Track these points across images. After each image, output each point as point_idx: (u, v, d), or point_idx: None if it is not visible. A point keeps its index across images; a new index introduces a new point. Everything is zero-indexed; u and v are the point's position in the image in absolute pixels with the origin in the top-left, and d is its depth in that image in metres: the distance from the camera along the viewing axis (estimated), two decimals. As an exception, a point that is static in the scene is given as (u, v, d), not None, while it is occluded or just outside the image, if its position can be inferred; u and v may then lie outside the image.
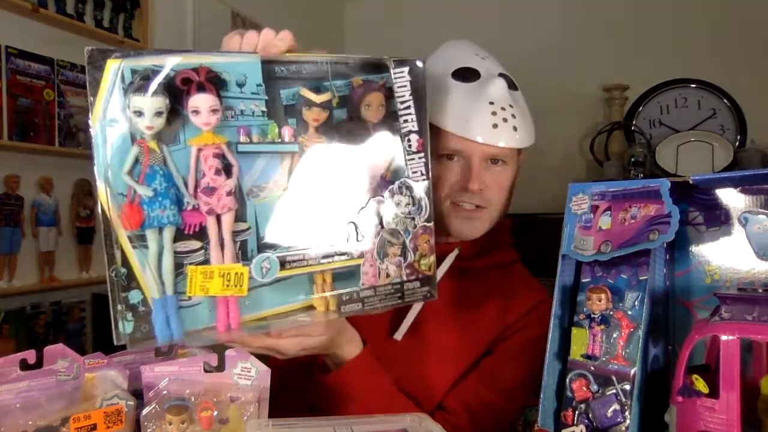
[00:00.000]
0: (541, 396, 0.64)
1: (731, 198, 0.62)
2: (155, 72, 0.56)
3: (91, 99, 0.55)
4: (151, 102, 0.56)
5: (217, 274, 0.60)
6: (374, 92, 0.69)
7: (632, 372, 0.58)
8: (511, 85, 0.92)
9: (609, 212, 0.63)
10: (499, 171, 0.93)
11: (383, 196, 0.66)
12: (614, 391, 0.58)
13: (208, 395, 0.65)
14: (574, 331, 0.62)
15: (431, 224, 0.70)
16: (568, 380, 0.61)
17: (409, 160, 0.68)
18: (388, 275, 0.67)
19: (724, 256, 0.62)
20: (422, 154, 0.68)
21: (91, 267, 1.91)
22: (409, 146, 0.68)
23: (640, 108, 3.00)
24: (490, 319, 0.95)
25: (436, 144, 0.88)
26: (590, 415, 0.59)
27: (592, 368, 0.60)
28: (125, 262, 0.57)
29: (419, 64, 0.75)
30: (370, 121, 0.66)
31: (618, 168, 2.81)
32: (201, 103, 0.58)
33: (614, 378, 0.58)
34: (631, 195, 0.62)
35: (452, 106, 0.88)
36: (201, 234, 0.60)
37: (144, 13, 2.07)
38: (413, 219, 0.68)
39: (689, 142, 2.73)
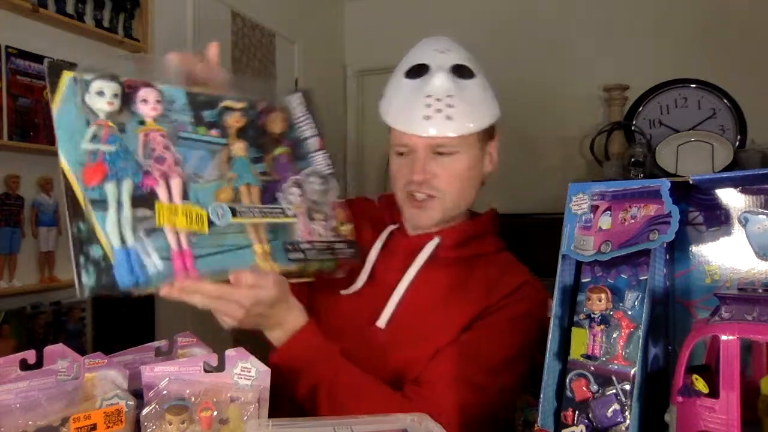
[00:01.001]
0: (541, 396, 0.64)
1: (731, 198, 0.62)
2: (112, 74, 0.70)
3: (51, 96, 0.67)
4: (109, 85, 0.68)
5: (181, 212, 0.68)
6: (276, 112, 0.85)
7: (632, 372, 0.58)
8: (462, 74, 0.93)
9: (609, 212, 0.63)
10: (449, 160, 0.94)
11: (300, 177, 0.83)
12: (614, 391, 0.58)
13: (208, 395, 0.65)
14: (574, 331, 0.62)
15: (342, 200, 0.88)
16: (568, 380, 0.61)
17: (312, 156, 0.87)
18: (319, 234, 0.82)
19: (724, 256, 0.62)
20: (323, 151, 0.88)
21: (91, 267, 1.91)
22: (309, 146, 0.87)
23: (640, 108, 3.00)
24: (471, 303, 0.94)
25: (391, 142, 0.98)
26: (590, 415, 0.59)
27: (592, 368, 0.60)
28: (86, 221, 0.64)
29: (306, 91, 0.93)
30: (275, 132, 0.84)
31: (618, 168, 2.81)
32: (149, 94, 0.72)
33: (614, 378, 0.58)
34: (631, 195, 0.62)
35: (397, 103, 0.95)
36: (152, 201, 0.68)
37: (144, 13, 2.07)
38: (326, 194, 0.84)
39: (689, 142, 2.73)
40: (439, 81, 0.91)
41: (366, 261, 0.99)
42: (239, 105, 0.79)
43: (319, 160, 0.87)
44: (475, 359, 0.90)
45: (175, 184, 0.70)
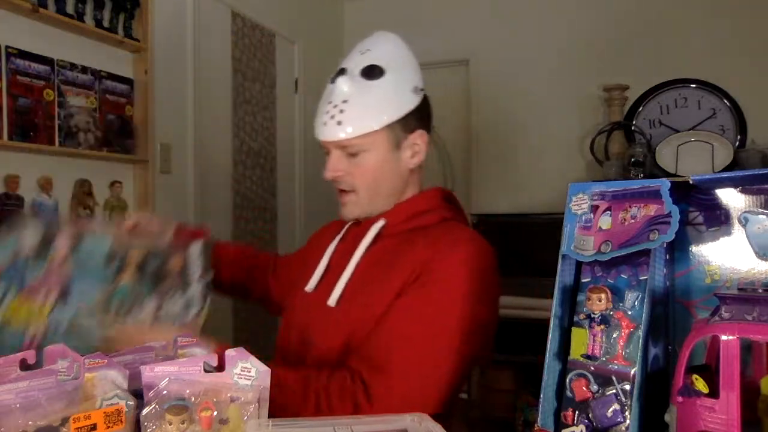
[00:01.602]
0: (541, 396, 0.64)
1: (731, 198, 0.62)
2: None
3: None
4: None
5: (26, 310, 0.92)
6: (176, 255, 1.01)
7: (632, 372, 0.58)
8: (371, 75, 0.98)
9: (609, 212, 0.63)
10: (358, 159, 1.00)
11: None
12: (614, 391, 0.58)
13: (208, 395, 0.65)
14: (574, 331, 0.62)
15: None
16: (568, 380, 0.61)
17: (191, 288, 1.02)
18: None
19: (724, 256, 0.62)
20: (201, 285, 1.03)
21: (91, 267, 1.91)
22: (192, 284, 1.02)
23: (640, 108, 3.00)
24: (404, 269, 0.96)
25: None
26: (590, 415, 0.59)
27: (592, 368, 0.60)
28: None
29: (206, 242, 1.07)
30: (171, 271, 1.00)
31: (618, 168, 2.81)
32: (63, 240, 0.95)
33: (614, 378, 0.58)
34: (631, 195, 0.62)
35: (318, 109, 1.04)
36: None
37: (144, 13, 2.07)
38: (186, 313, 0.99)
39: (689, 142, 2.73)
40: (338, 88, 0.99)
41: (322, 258, 1.08)
42: (145, 249, 0.99)
43: (195, 292, 1.01)
44: (400, 328, 0.92)
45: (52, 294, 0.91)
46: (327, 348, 0.99)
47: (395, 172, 1.03)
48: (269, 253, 1.38)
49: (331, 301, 1.00)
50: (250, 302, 1.37)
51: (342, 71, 1.01)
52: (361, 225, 1.08)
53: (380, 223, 1.03)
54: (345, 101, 0.98)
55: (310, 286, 1.07)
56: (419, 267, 0.95)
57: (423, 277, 0.93)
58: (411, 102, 1.01)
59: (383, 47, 1.03)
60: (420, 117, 1.03)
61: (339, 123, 0.98)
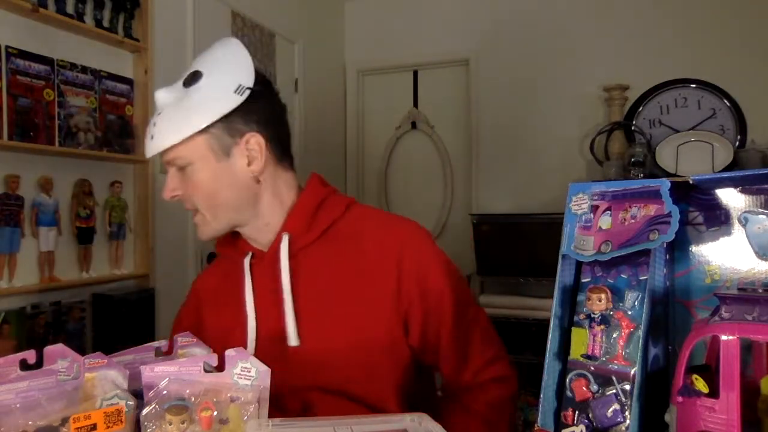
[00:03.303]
0: (541, 396, 0.64)
1: (731, 198, 0.62)
2: None
3: None
4: None
5: None
6: None
7: (632, 372, 0.58)
8: (194, 80, 0.90)
9: (609, 212, 0.63)
10: (189, 173, 0.92)
11: None
12: (614, 391, 0.58)
13: (208, 395, 0.65)
14: (574, 331, 0.62)
15: None
16: (568, 380, 0.61)
17: None
18: None
19: (724, 256, 0.62)
20: None
21: (91, 267, 1.91)
22: None
23: (640, 108, 3.00)
24: (348, 266, 0.94)
25: None
26: (590, 415, 0.59)
27: (592, 368, 0.60)
28: None
29: None
30: None
31: (618, 168, 2.81)
32: None
33: (614, 378, 0.58)
34: (631, 195, 0.62)
35: None
36: None
37: (144, 13, 2.07)
38: None
39: (689, 142, 2.73)
40: (156, 101, 0.93)
41: (247, 312, 0.96)
42: None
43: None
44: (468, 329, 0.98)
45: None
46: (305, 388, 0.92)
47: (233, 183, 0.93)
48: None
49: (292, 341, 0.92)
50: None
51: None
52: (263, 252, 0.99)
53: (286, 239, 0.95)
54: (159, 114, 0.91)
55: (251, 348, 0.95)
56: (395, 268, 0.94)
57: (417, 274, 0.94)
58: (231, 102, 0.89)
59: (212, 52, 0.95)
60: (248, 119, 0.92)
61: (152, 138, 0.91)
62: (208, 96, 0.90)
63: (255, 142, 0.93)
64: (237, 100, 0.90)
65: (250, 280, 0.98)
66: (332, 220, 0.97)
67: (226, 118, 0.90)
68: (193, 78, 0.91)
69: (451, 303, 0.95)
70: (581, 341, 0.61)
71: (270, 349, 0.93)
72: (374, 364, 0.92)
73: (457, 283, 0.98)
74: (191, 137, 0.90)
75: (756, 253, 0.59)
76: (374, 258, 0.94)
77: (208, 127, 0.90)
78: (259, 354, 0.85)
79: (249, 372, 0.67)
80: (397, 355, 0.94)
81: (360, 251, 0.95)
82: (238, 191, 0.94)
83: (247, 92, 0.91)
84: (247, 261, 1.00)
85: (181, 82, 0.93)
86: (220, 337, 0.93)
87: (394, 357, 0.93)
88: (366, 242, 0.95)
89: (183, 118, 0.89)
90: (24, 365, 0.69)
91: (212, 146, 0.91)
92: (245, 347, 0.95)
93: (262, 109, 0.94)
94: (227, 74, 0.91)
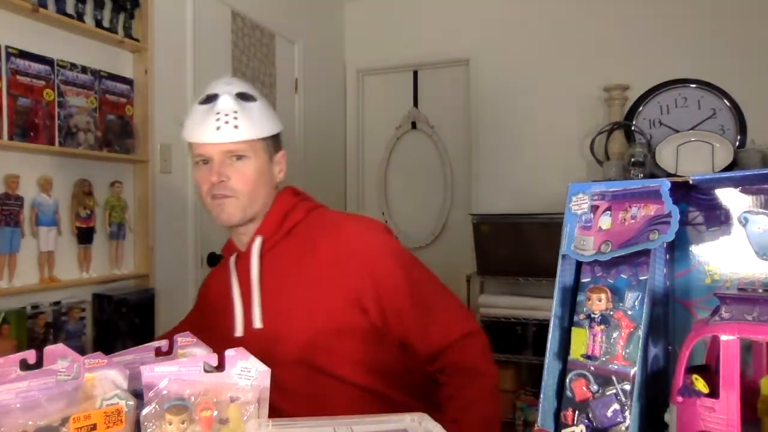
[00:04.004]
0: (541, 396, 0.64)
1: (731, 198, 0.62)
2: None
3: None
4: None
5: None
6: None
7: (632, 372, 0.58)
8: (245, 98, 1.13)
9: (609, 212, 0.63)
10: (241, 164, 1.11)
11: None
12: (614, 391, 0.58)
13: (208, 395, 0.65)
14: (574, 331, 0.62)
15: None
16: (568, 380, 0.61)
17: None
18: None
19: (724, 256, 0.62)
20: None
21: (91, 267, 1.91)
22: None
23: (640, 108, 3.00)
24: (319, 263, 1.11)
25: (192, 158, 1.15)
26: (590, 415, 0.59)
27: (592, 368, 0.60)
28: None
29: None
30: None
31: (618, 168, 2.81)
32: None
33: (614, 378, 0.58)
34: (631, 195, 0.62)
35: (195, 123, 1.12)
36: None
37: (144, 13, 2.07)
38: None
39: (689, 142, 2.73)
40: (226, 102, 1.11)
41: (235, 306, 1.15)
42: None
43: None
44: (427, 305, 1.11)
45: None
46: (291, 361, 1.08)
47: (269, 182, 1.17)
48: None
49: (256, 323, 1.12)
50: None
51: (214, 96, 1.13)
52: (243, 252, 1.18)
53: (259, 240, 1.15)
54: (235, 111, 1.10)
55: (239, 334, 1.14)
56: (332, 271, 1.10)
57: (365, 263, 1.09)
58: (278, 126, 1.18)
59: (244, 83, 1.18)
60: (281, 142, 1.20)
61: (235, 127, 1.09)
62: (268, 115, 1.15)
63: (284, 158, 1.20)
64: (281, 126, 1.19)
65: (236, 276, 1.18)
66: (294, 222, 1.17)
67: (278, 135, 1.18)
68: (247, 97, 1.13)
69: (403, 284, 1.10)
70: (581, 341, 0.61)
71: (245, 331, 1.14)
72: (327, 340, 1.08)
73: (407, 265, 1.13)
74: (263, 138, 1.13)
75: (756, 253, 0.59)
76: (325, 252, 1.11)
77: (274, 135, 1.16)
78: (239, 335, 1.13)
79: (249, 372, 0.68)
80: (353, 332, 1.09)
81: (314, 247, 1.12)
82: (270, 189, 1.17)
83: (281, 124, 1.19)
84: (232, 260, 1.20)
85: (235, 96, 1.12)
86: (221, 321, 1.17)
87: (348, 334, 1.09)
88: (319, 239, 1.13)
89: (261, 124, 1.13)
90: (24, 365, 0.69)
91: (267, 150, 1.15)
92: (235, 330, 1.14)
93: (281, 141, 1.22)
94: (270, 105, 1.19)
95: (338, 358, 1.09)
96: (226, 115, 1.10)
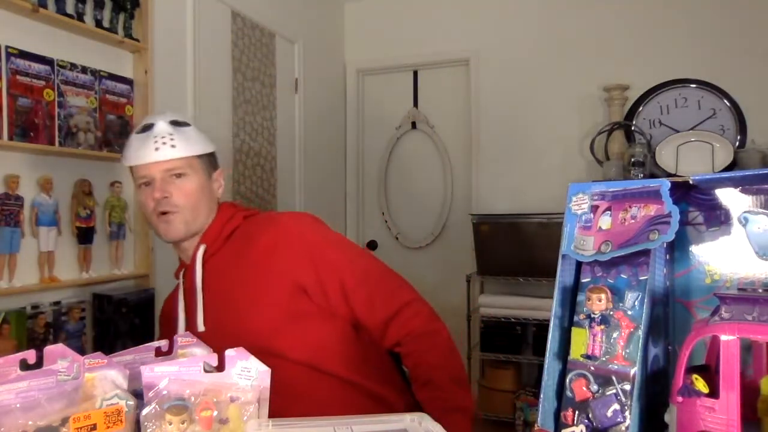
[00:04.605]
0: (541, 396, 0.64)
1: (731, 198, 0.62)
2: None
3: None
4: None
5: None
6: None
7: (632, 372, 0.58)
8: (179, 124, 1.23)
9: (609, 212, 0.63)
10: (181, 182, 1.21)
11: None
12: (614, 391, 0.58)
13: (208, 395, 0.65)
14: (574, 331, 0.62)
15: None
16: (568, 380, 0.61)
17: None
18: None
19: (724, 256, 0.62)
20: None
21: (91, 267, 1.91)
22: None
23: (640, 108, 3.00)
24: (256, 258, 1.18)
25: (135, 181, 1.24)
26: (590, 415, 0.59)
27: (592, 368, 0.60)
28: None
29: None
30: None
31: (618, 168, 2.81)
32: None
33: (614, 378, 0.58)
34: (631, 195, 0.62)
35: (134, 149, 1.21)
36: None
37: (144, 13, 2.07)
38: None
39: (689, 142, 2.73)
40: (161, 126, 1.21)
41: (179, 313, 1.24)
42: None
43: None
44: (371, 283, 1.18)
45: None
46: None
47: (209, 197, 1.26)
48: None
49: (199, 326, 1.19)
50: None
51: (150, 125, 1.22)
52: (189, 265, 1.26)
53: (202, 248, 1.24)
54: (171, 134, 1.20)
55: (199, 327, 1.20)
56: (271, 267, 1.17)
57: (303, 253, 1.16)
58: (212, 146, 1.28)
59: (173, 114, 1.28)
60: (218, 161, 1.31)
61: (173, 146, 1.19)
62: (202, 137, 1.26)
63: (221, 175, 1.31)
64: (213, 147, 1.30)
65: (182, 288, 1.27)
66: (233, 228, 1.26)
67: (213, 155, 1.29)
68: (180, 122, 1.24)
69: (341, 263, 1.17)
70: (581, 341, 0.61)
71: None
72: (279, 327, 1.14)
73: (341, 246, 1.22)
74: (199, 156, 1.23)
75: (756, 253, 0.59)
76: (263, 245, 1.19)
77: (210, 153, 1.27)
78: None
79: (249, 372, 0.68)
80: (303, 317, 1.15)
81: (253, 244, 1.20)
82: (211, 204, 1.27)
83: (214, 146, 1.31)
84: (180, 275, 1.29)
85: (168, 122, 1.22)
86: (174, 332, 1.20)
87: (298, 320, 1.15)
88: (257, 236, 1.21)
89: (195, 144, 1.23)
90: (24, 365, 0.69)
91: (205, 167, 1.25)
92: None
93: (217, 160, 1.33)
94: (198, 128, 1.28)
95: (296, 343, 1.14)
96: (163, 137, 1.19)
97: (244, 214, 1.29)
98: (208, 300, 1.21)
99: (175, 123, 1.23)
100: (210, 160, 1.28)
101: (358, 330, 1.20)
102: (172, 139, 1.20)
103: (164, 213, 1.20)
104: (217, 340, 1.09)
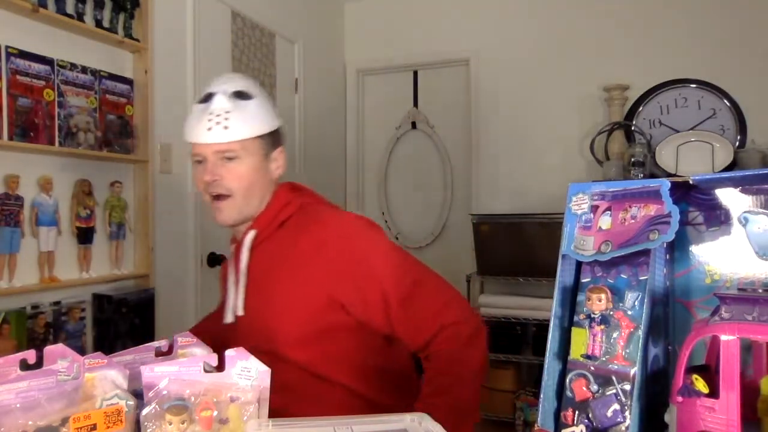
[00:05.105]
0: (541, 396, 0.64)
1: (731, 198, 0.62)
2: None
3: None
4: None
5: None
6: None
7: (632, 372, 0.58)
8: (241, 97, 1.15)
9: (609, 212, 0.63)
10: (233, 165, 1.14)
11: None
12: (614, 391, 0.58)
13: (208, 395, 0.65)
14: (574, 331, 0.62)
15: None
16: (568, 380, 0.61)
17: None
18: None
19: (724, 256, 0.62)
20: None
21: (91, 267, 1.91)
22: None
23: (640, 108, 3.00)
24: (298, 257, 1.13)
25: (192, 156, 1.18)
26: (590, 415, 0.59)
27: (592, 368, 0.60)
28: None
29: None
30: None
31: (618, 168, 2.81)
32: None
33: (614, 378, 0.58)
34: (631, 195, 0.62)
35: (191, 123, 1.15)
36: None
37: (144, 13, 2.07)
38: None
39: (689, 142, 2.73)
40: (219, 101, 1.13)
41: (229, 292, 1.20)
42: None
43: None
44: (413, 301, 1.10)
45: None
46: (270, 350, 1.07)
47: (265, 180, 1.19)
48: (208, 319, 1.46)
49: (239, 310, 1.17)
50: None
51: (211, 95, 1.15)
52: (239, 244, 1.22)
53: (251, 234, 1.18)
54: (228, 112, 1.12)
55: (229, 320, 1.19)
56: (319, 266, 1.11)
57: (346, 259, 1.10)
58: (276, 122, 1.20)
59: (241, 81, 1.20)
60: (281, 137, 1.22)
61: (226, 128, 1.11)
62: (265, 113, 1.17)
63: (282, 154, 1.22)
64: (279, 122, 1.21)
65: (233, 265, 1.22)
66: (287, 216, 1.19)
67: (276, 131, 1.20)
68: (243, 95, 1.15)
69: (388, 277, 1.09)
70: (581, 341, 0.61)
71: (235, 317, 1.19)
72: (303, 332, 1.10)
73: (391, 258, 1.13)
74: (257, 137, 1.15)
75: (756, 253, 0.59)
76: (305, 247, 1.13)
77: (270, 132, 1.17)
78: (228, 321, 1.19)
79: (249, 372, 0.68)
80: (333, 331, 1.11)
81: (297, 242, 1.14)
82: (266, 187, 1.20)
83: (281, 120, 1.22)
84: (232, 249, 1.25)
85: (230, 95, 1.14)
86: (223, 306, 1.23)
87: (328, 334, 1.11)
88: (302, 235, 1.15)
89: (252, 122, 1.14)
90: (24, 365, 0.69)
91: (262, 148, 1.17)
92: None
93: (282, 133, 1.24)
94: (268, 101, 1.20)
95: (317, 355, 1.11)
96: (218, 115, 1.12)
97: (301, 202, 1.21)
98: (251, 287, 1.18)
99: (237, 95, 1.15)
100: (270, 139, 1.18)
101: (390, 342, 1.16)
102: (227, 119, 1.12)
103: (216, 198, 1.15)
104: (251, 331, 1.15)
